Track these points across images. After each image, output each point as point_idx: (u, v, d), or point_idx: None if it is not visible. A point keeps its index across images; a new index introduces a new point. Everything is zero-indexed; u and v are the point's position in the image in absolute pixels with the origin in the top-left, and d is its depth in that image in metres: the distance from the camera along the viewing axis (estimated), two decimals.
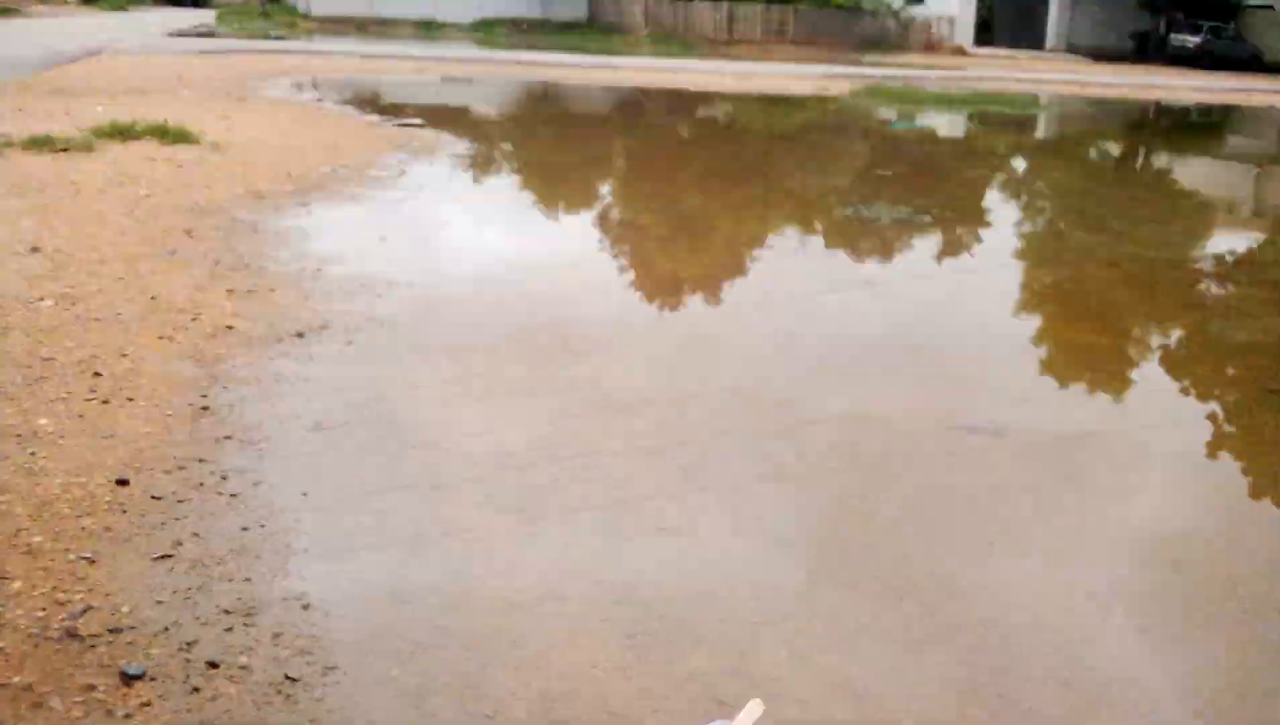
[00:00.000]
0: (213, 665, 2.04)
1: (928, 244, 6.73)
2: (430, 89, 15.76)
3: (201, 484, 2.76)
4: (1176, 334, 5.06)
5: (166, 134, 7.64)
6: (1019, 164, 11.87)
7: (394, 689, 2.02)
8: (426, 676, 2.06)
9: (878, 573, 2.57)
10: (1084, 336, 4.80)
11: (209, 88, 12.07)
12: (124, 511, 2.58)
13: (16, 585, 2.24)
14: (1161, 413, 3.89)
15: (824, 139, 12.77)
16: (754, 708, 1.95)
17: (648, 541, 2.65)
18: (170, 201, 5.92)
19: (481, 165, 8.81)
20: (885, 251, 6.44)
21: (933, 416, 3.55)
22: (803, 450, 3.25)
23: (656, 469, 3.05)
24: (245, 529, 2.55)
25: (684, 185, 8.68)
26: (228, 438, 3.05)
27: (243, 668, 2.04)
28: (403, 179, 7.30)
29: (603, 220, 7.23)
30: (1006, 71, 24.34)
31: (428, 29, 30.69)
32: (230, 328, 3.94)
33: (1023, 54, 32.06)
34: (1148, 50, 32.16)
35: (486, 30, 31.10)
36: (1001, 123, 15.26)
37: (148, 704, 1.92)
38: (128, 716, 1.88)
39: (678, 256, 6.08)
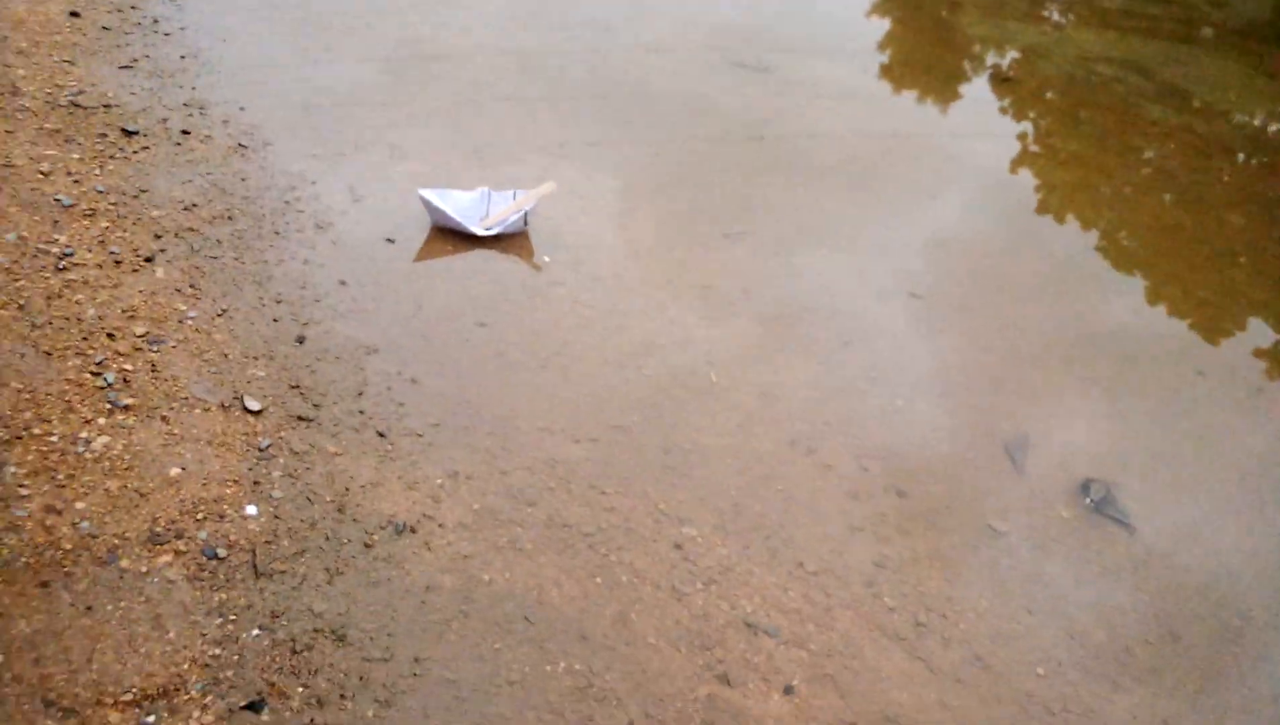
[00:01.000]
0: (185, 133, 2.98)
1: None
2: None
3: (139, 24, 3.55)
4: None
5: None
6: None
7: (310, 158, 3.02)
8: (337, 146, 3.08)
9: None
10: None
11: None
12: (84, 34, 3.37)
13: (21, 73, 3.06)
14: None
15: None
16: (546, 187, 2.96)
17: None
18: None
19: None
20: None
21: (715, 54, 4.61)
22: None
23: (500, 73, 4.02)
24: (183, 56, 3.40)
25: None
26: None
27: (207, 137, 2.99)
28: None
29: None
30: None
31: None
32: None
33: None
34: None
35: None
36: None
37: (146, 149, 2.87)
38: (135, 152, 2.83)
39: None
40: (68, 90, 3.00)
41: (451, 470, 2.04)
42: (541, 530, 1.95)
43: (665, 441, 2.27)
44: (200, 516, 1.78)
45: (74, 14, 3.46)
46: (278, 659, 1.55)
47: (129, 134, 2.87)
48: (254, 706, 1.46)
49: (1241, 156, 4.66)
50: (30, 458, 1.80)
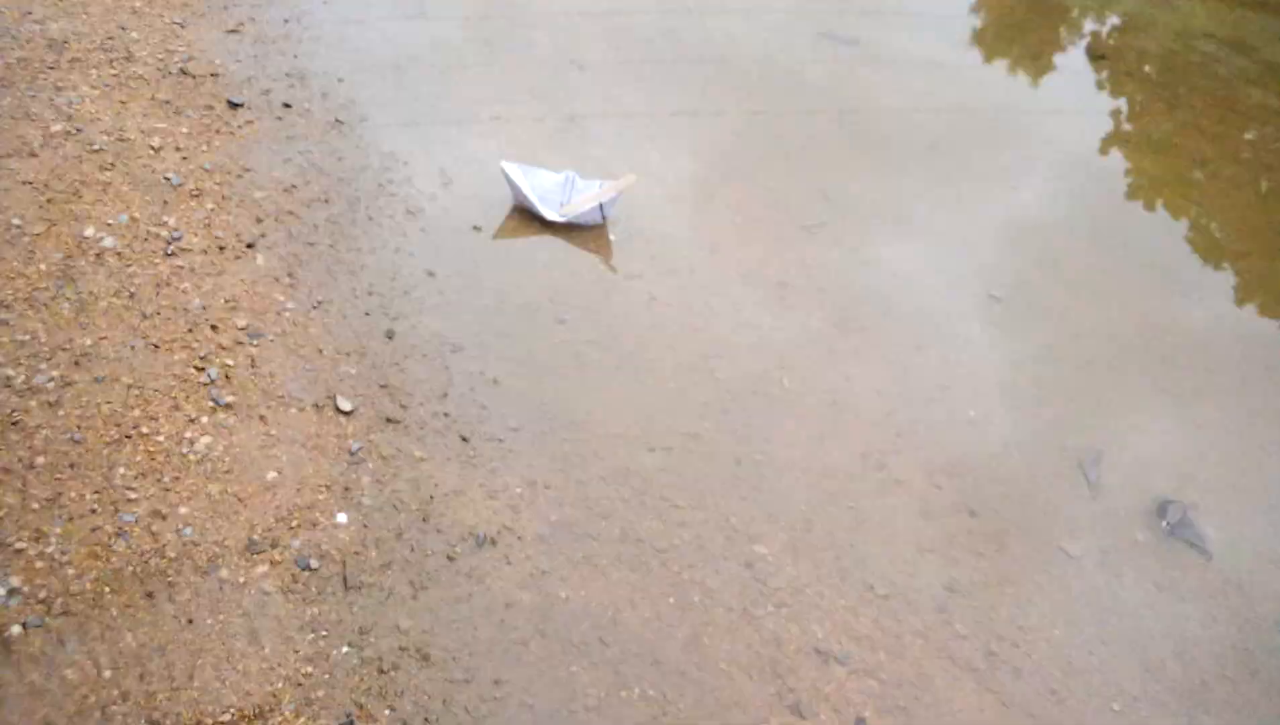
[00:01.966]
0: (286, 106, 3.05)
1: None
2: None
3: None
4: None
5: None
6: None
7: (404, 136, 3.07)
8: (429, 122, 3.12)
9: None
10: None
11: None
12: None
13: (135, 36, 3.14)
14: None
15: None
16: (627, 180, 2.97)
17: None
18: None
19: None
20: None
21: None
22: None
23: (596, 46, 3.99)
24: (286, 20, 3.45)
25: None
26: None
27: (306, 111, 3.06)
28: None
29: None
30: None
31: None
32: None
33: None
34: None
35: None
36: None
37: (250, 122, 2.94)
38: (240, 127, 2.91)
39: None
40: (178, 56, 3.09)
41: (530, 479, 2.11)
42: (616, 545, 2.02)
43: (737, 451, 2.32)
44: (294, 524, 1.88)
45: None
46: (366, 679, 1.66)
47: (234, 106, 2.95)
48: None
49: None
50: (139, 458, 1.92)
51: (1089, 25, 5.27)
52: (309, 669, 1.66)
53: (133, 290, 2.26)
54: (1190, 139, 4.23)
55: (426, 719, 1.63)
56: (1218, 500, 2.49)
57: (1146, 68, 4.91)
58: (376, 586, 1.82)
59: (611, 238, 2.85)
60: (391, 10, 3.65)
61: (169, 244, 2.40)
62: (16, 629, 1.60)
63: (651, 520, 2.10)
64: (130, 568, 1.73)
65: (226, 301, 2.31)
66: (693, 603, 1.96)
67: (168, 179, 2.59)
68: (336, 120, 3.02)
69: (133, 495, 1.84)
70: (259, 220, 2.56)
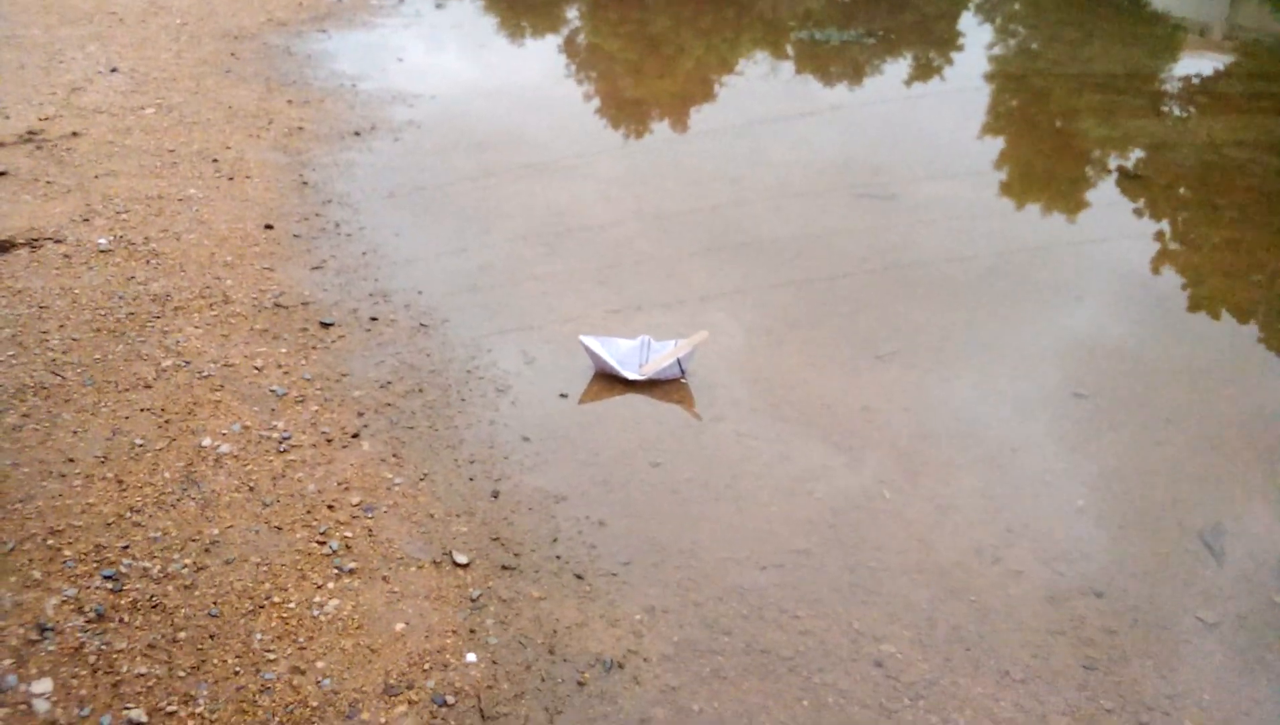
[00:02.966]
0: (373, 319, 3.28)
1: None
2: None
3: (323, 230, 3.96)
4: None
5: None
6: None
7: (484, 328, 3.28)
8: (505, 315, 3.32)
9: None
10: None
11: None
12: (278, 243, 3.79)
13: (230, 283, 3.45)
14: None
15: None
16: (700, 336, 3.14)
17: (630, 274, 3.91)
18: (205, 29, 6.85)
19: None
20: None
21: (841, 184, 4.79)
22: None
23: (642, 233, 4.29)
24: (364, 253, 3.77)
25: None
26: (328, 201, 4.22)
27: (392, 321, 3.29)
28: (401, 6, 8.20)
29: (573, 45, 8.21)
30: None
31: None
32: (301, 129, 5.05)
33: None
34: None
35: None
36: None
37: (342, 337, 3.17)
38: (333, 342, 3.13)
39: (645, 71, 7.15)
40: (270, 294, 3.36)
41: (648, 606, 2.13)
42: (742, 657, 2.01)
43: (848, 561, 2.32)
44: (427, 667, 1.91)
45: (268, 226, 3.89)
46: None
47: (326, 326, 3.19)
48: None
49: None
50: (274, 624, 1.99)
51: (1114, 160, 5.49)
52: None
53: (251, 484, 2.39)
54: (1244, 241, 4.32)
55: None
56: None
57: (1182, 186, 5.07)
58: (513, 715, 1.83)
59: (692, 390, 2.96)
60: (459, 232, 3.96)
61: (280, 443, 2.56)
62: None
63: (774, 632, 2.09)
64: (276, 719, 1.76)
65: (339, 484, 2.43)
66: (827, 704, 1.93)
67: (273, 391, 2.78)
68: (421, 325, 3.24)
69: (271, 656, 1.90)
70: (360, 414, 2.72)
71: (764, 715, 1.88)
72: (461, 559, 2.22)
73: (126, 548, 2.16)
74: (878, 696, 1.95)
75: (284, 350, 3.03)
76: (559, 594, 2.15)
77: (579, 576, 2.20)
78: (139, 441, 2.53)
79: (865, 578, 2.26)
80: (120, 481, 2.37)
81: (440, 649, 1.97)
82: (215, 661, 1.89)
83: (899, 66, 7.74)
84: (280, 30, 7.03)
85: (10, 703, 1.74)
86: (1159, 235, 4.49)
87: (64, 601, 1.98)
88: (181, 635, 1.94)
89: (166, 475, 2.42)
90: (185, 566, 2.13)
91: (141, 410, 2.67)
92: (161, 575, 2.10)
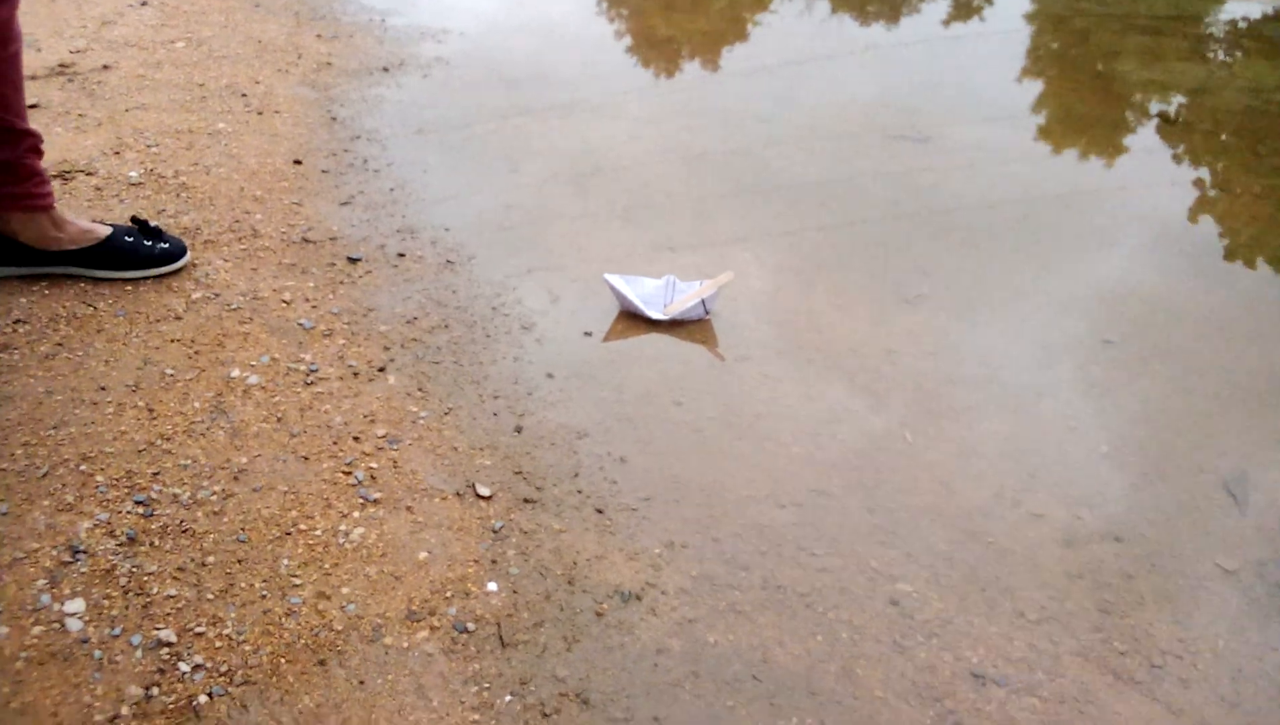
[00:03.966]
0: (400, 255, 3.30)
1: None
2: None
3: (351, 165, 3.96)
4: None
5: None
6: None
7: (510, 266, 3.29)
8: (532, 253, 3.33)
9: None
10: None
11: None
12: (307, 178, 3.80)
13: (259, 217, 3.47)
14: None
15: None
16: (725, 277, 3.13)
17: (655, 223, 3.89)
18: None
19: None
20: None
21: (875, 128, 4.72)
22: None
23: (666, 173, 4.25)
24: (392, 189, 3.77)
25: None
26: (356, 137, 4.22)
27: (419, 257, 3.30)
28: None
29: None
30: None
31: None
32: (329, 64, 5.03)
33: None
34: None
35: None
36: None
37: (369, 272, 3.19)
38: (360, 277, 3.15)
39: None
40: (298, 228, 3.38)
41: (667, 540, 2.16)
42: (758, 593, 2.03)
43: (868, 502, 2.33)
44: (449, 594, 1.95)
45: (297, 161, 3.90)
46: (530, 722, 1.68)
47: (353, 261, 3.20)
48: None
49: None
50: (300, 551, 2.03)
51: (1156, 105, 5.37)
52: (476, 717, 1.69)
53: (279, 415, 2.43)
54: None
55: None
56: None
57: (1224, 132, 4.96)
58: (532, 643, 1.87)
59: (716, 331, 2.96)
60: (487, 170, 3.95)
61: (308, 375, 2.59)
62: (203, 698, 1.68)
63: (791, 569, 2.11)
64: (301, 641, 1.81)
65: (365, 416, 2.46)
66: (841, 638, 1.95)
67: (301, 324, 2.80)
68: (447, 261, 3.25)
69: (298, 581, 1.94)
70: (386, 348, 2.74)
71: (778, 649, 1.91)
72: (484, 491, 2.25)
73: (157, 474, 2.20)
74: (892, 633, 1.97)
75: (312, 284, 3.05)
76: (579, 527, 2.18)
77: (599, 511, 2.23)
78: (169, 371, 2.57)
79: (884, 519, 2.27)
80: (151, 410, 2.41)
81: (462, 578, 2.01)
82: (243, 585, 1.93)
83: (937, 6, 7.57)
84: None
85: (44, 621, 1.80)
86: (1197, 182, 4.40)
87: (96, 525, 2.03)
88: (210, 560, 1.99)
89: (196, 405, 2.46)
90: (214, 493, 2.17)
91: (172, 341, 2.70)
92: (191, 501, 2.14)
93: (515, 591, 1.99)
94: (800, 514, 2.26)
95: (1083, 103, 5.39)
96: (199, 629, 1.83)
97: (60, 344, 2.60)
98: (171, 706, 1.68)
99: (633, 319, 3.00)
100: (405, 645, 1.83)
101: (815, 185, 4.03)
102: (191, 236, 3.23)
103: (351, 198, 3.67)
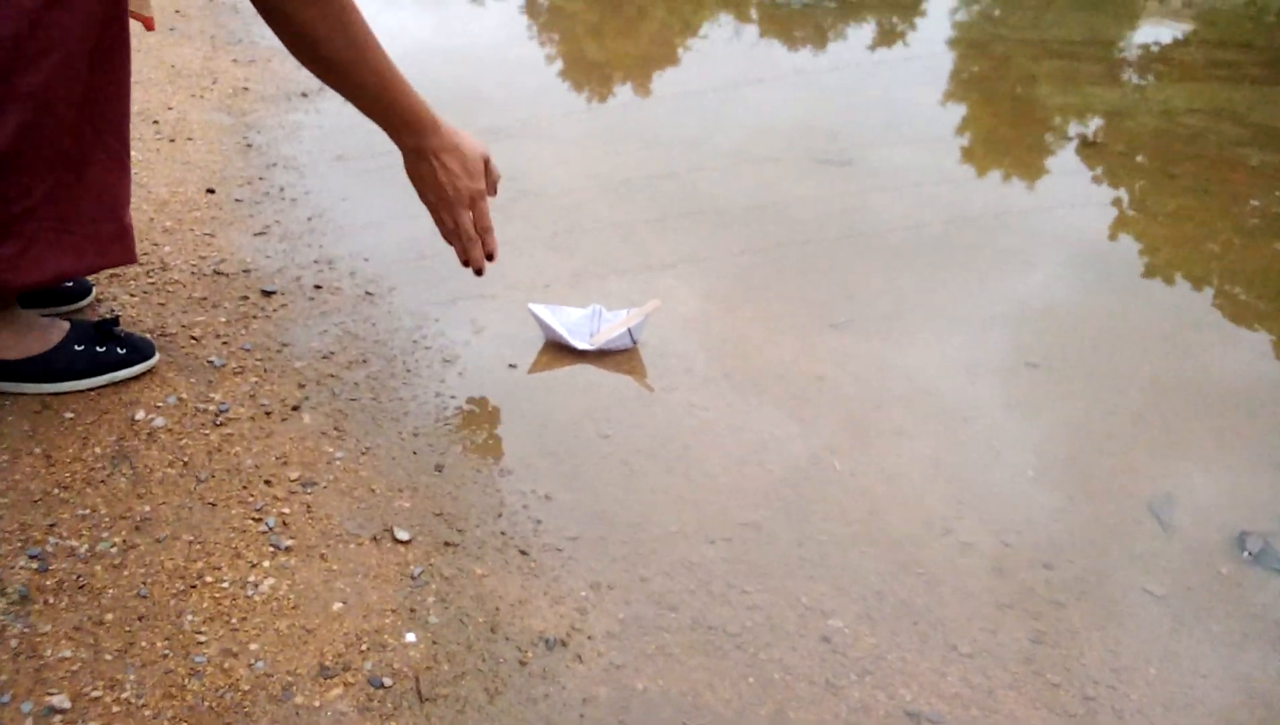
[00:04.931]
0: (317, 287, 3.20)
1: None
2: None
3: (267, 193, 3.84)
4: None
5: None
6: None
7: (432, 296, 3.21)
8: (455, 282, 3.25)
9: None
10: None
11: None
12: (220, 208, 3.67)
13: (168, 250, 3.34)
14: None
15: None
16: (652, 304, 3.08)
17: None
18: None
19: None
20: None
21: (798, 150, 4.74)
22: None
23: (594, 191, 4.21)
24: (310, 218, 3.67)
25: None
26: (273, 165, 4.11)
27: (337, 289, 3.21)
28: None
29: (534, 6, 8.05)
30: None
31: None
32: (246, 89, 4.91)
33: None
34: None
35: None
36: None
37: (284, 306, 3.08)
38: (275, 311, 3.04)
39: None
40: (210, 261, 3.26)
41: (593, 582, 2.09)
42: (688, 634, 1.98)
43: (797, 534, 2.29)
44: (364, 647, 1.86)
45: (210, 190, 3.77)
46: None
47: (267, 294, 3.10)
48: None
49: None
50: (205, 605, 1.92)
51: (1074, 127, 5.48)
52: None
53: (185, 459, 2.32)
54: (1198, 210, 4.33)
55: None
56: None
57: (1139, 154, 5.07)
58: (452, 696, 1.79)
59: (644, 359, 2.91)
60: (409, 198, 3.86)
61: (217, 416, 2.48)
62: None
63: (720, 607, 2.06)
64: (206, 703, 1.71)
65: (277, 458, 2.36)
66: (773, 679, 1.90)
67: (210, 362, 2.69)
68: (366, 292, 3.16)
69: (202, 638, 1.84)
70: (301, 386, 2.64)
71: (709, 693, 1.86)
72: (403, 535, 2.17)
73: (53, 525, 2.08)
74: (824, 672, 1.93)
75: (223, 319, 2.94)
76: (502, 570, 2.11)
77: (523, 552, 2.16)
78: (69, 415, 2.44)
79: (814, 551, 2.24)
80: (49, 457, 2.28)
81: (378, 629, 1.92)
82: (143, 644, 1.82)
83: (862, 31, 7.68)
84: None
85: None
86: (1115, 202, 4.49)
87: None
88: (109, 617, 1.87)
89: (97, 450, 2.33)
90: (114, 545, 2.05)
91: None
92: (89, 554, 2.02)
93: (435, 642, 1.91)
94: (730, 549, 2.21)
95: (1003, 125, 5.49)
96: (95, 693, 1.72)
97: None
98: None
99: (559, 350, 2.94)
100: (317, 704, 1.74)
101: (742, 209, 4.01)
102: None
103: (267, 228, 3.56)
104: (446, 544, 2.17)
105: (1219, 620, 2.14)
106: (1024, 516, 2.41)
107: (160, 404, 2.52)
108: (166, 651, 1.82)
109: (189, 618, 1.90)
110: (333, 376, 2.73)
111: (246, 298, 3.09)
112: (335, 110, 4.75)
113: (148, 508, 2.17)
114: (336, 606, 1.96)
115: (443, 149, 2.48)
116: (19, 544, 2.03)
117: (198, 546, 2.07)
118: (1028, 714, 1.88)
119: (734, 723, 1.80)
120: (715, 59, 6.42)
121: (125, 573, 1.99)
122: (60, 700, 1.72)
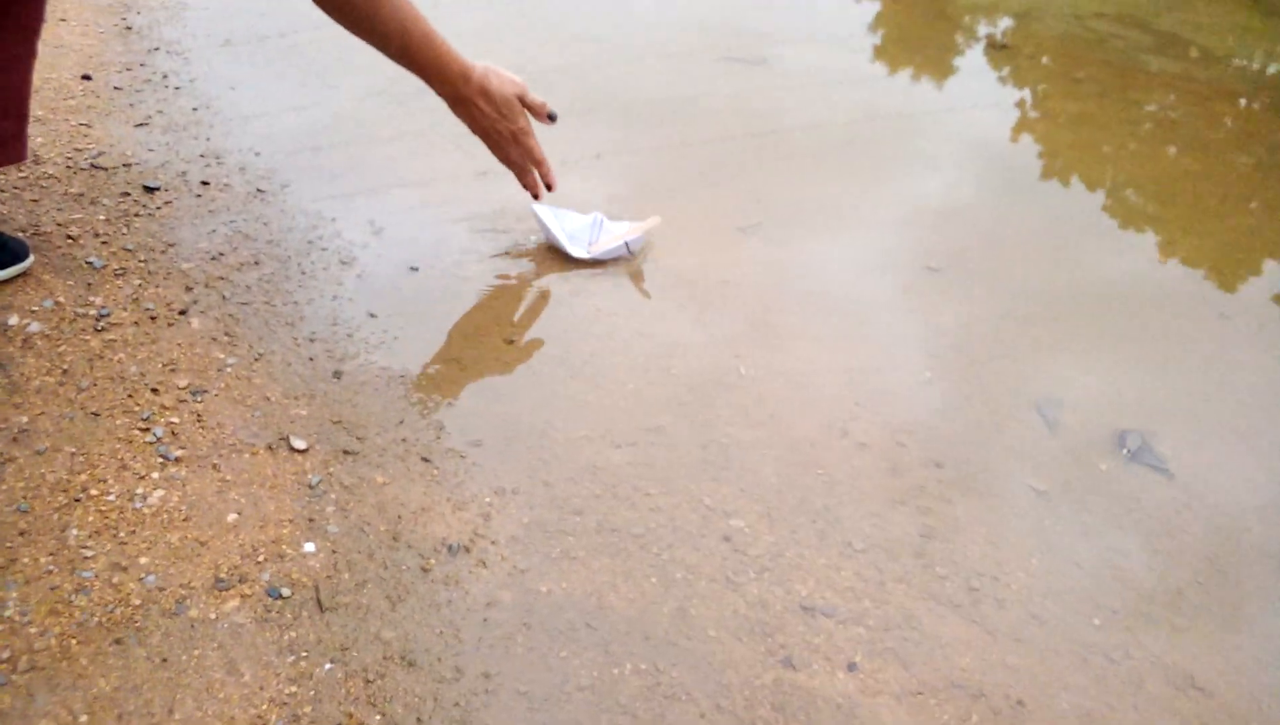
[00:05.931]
0: (204, 184, 3.05)
1: None
2: None
3: (148, 80, 3.62)
4: None
5: None
6: None
7: (328, 194, 3.09)
8: (352, 179, 3.14)
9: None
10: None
11: None
12: (97, 96, 3.45)
13: (41, 141, 3.13)
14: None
15: None
16: (653, 220, 3.02)
17: None
18: None
19: None
20: None
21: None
22: None
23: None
24: (195, 109, 3.47)
25: None
26: (155, 49, 3.86)
27: (226, 185, 3.06)
28: None
29: None
30: None
31: None
32: None
33: None
34: None
35: None
36: None
37: (169, 203, 2.93)
38: (159, 208, 2.90)
39: None
40: (87, 153, 3.08)
41: (497, 487, 2.09)
42: (592, 537, 1.99)
43: (701, 438, 2.31)
44: (261, 558, 1.83)
45: (85, 77, 3.54)
46: (352, 690, 1.60)
47: (150, 190, 2.94)
48: None
49: (1244, 101, 4.66)
50: (91, 519, 1.86)
51: (984, 28, 5.48)
52: (293, 689, 1.60)
53: (65, 367, 2.21)
54: (1097, 114, 4.39)
55: (419, 718, 1.57)
56: (1174, 428, 2.54)
57: (1045, 56, 5.10)
58: (353, 605, 1.77)
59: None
60: (302, 87, 3.69)
61: (98, 321, 2.37)
62: None
63: (625, 510, 2.08)
64: (95, 619, 1.66)
65: (165, 365, 2.27)
66: (675, 579, 1.93)
67: (89, 263, 2.56)
68: (257, 190, 3.03)
69: (89, 553, 1.78)
70: (189, 289, 2.54)
71: (612, 594, 1.88)
72: (300, 444, 2.12)
73: None
74: (725, 570, 1.97)
75: (102, 217, 2.78)
76: (404, 478, 2.08)
77: (426, 459, 2.13)
78: None
79: (717, 454, 2.26)
80: None
81: (276, 539, 1.89)
82: (25, 560, 1.76)
83: None
84: None
85: None
86: (1019, 104, 4.53)
87: None
88: None
89: None
90: None
91: None
92: None
93: (335, 551, 1.88)
94: (634, 453, 2.22)
95: (915, 25, 5.46)
96: None
97: None
98: None
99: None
100: (212, 617, 1.71)
101: (648, 108, 3.94)
102: None
103: (148, 118, 3.36)
104: (345, 452, 2.13)
105: (1095, 513, 2.24)
106: (918, 417, 2.47)
107: (36, 308, 2.39)
108: (51, 567, 1.76)
109: (74, 532, 1.83)
110: (223, 279, 2.62)
111: (127, 194, 2.93)
112: None
113: (25, 418, 2.08)
114: (231, 518, 1.92)
115: (474, 95, 2.45)
116: None
117: (81, 458, 2.00)
118: (916, 605, 1.95)
119: (637, 621, 1.84)
120: None
121: (3, 486, 1.91)
122: None
